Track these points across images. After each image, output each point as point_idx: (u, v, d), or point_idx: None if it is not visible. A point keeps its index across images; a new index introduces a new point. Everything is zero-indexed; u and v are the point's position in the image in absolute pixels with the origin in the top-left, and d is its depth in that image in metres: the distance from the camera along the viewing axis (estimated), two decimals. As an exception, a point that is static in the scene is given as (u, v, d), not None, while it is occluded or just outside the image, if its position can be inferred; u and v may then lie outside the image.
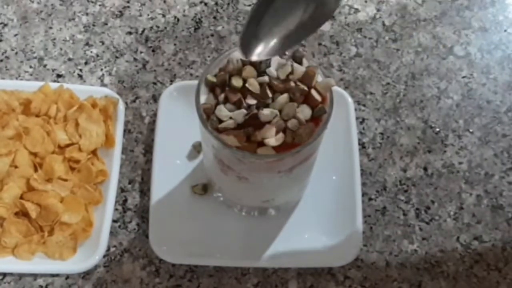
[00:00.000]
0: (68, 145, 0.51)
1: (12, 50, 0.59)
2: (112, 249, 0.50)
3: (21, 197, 0.49)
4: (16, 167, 0.50)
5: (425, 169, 0.54)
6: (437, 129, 0.56)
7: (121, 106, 0.54)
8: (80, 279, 0.49)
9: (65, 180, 0.50)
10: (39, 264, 0.48)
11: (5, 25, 0.60)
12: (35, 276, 0.49)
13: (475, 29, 0.61)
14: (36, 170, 0.50)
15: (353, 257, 0.48)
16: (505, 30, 0.62)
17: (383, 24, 0.61)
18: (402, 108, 0.57)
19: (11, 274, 0.49)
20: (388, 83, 0.58)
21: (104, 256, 0.49)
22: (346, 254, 0.48)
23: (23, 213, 0.49)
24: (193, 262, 0.49)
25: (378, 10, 0.62)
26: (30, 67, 0.58)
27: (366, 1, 0.63)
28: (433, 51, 0.60)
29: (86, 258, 0.48)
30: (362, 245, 0.49)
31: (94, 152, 0.52)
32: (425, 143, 0.55)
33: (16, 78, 0.57)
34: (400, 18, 0.62)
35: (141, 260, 0.50)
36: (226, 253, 0.49)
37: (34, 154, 0.51)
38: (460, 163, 0.54)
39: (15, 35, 0.59)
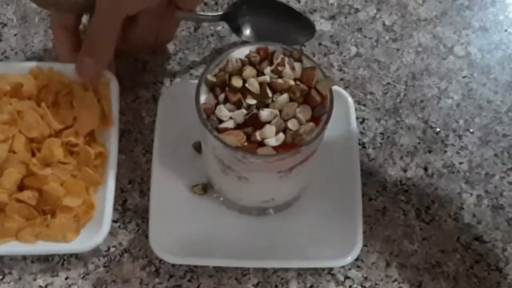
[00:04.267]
0: (63, 129, 0.51)
1: (12, 50, 0.59)
2: (112, 249, 0.50)
3: (22, 182, 0.48)
4: (14, 152, 0.49)
5: (426, 169, 0.54)
6: (438, 129, 0.56)
7: (113, 85, 0.52)
8: (80, 279, 0.49)
9: (65, 163, 0.49)
10: (43, 246, 0.47)
11: (5, 25, 0.60)
12: (34, 276, 0.49)
13: (475, 29, 0.61)
14: (34, 155, 0.49)
15: (354, 257, 0.48)
16: (505, 30, 0.62)
17: (383, 24, 0.61)
18: (402, 108, 0.57)
19: (10, 273, 0.49)
20: (388, 83, 0.58)
21: (104, 256, 0.49)
22: (346, 254, 0.48)
23: (21, 199, 0.49)
24: (193, 262, 0.49)
25: (378, 10, 0.62)
26: (30, 67, 0.58)
27: (366, 1, 0.63)
28: (434, 51, 0.60)
29: (89, 238, 0.47)
30: (362, 245, 0.49)
31: (91, 134, 0.51)
32: (426, 143, 0.55)
33: (16, 78, 0.57)
34: (400, 18, 0.62)
35: (141, 260, 0.50)
36: (226, 253, 0.49)
37: (31, 140, 0.50)
38: (461, 163, 0.54)
39: (15, 35, 0.59)
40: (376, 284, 0.49)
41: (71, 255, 0.49)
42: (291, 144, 0.40)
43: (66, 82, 0.52)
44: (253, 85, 0.41)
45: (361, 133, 0.55)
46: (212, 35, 0.60)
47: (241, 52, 0.43)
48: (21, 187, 0.49)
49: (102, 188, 0.49)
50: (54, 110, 0.51)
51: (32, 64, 0.53)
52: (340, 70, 0.58)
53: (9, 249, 0.47)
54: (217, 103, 0.41)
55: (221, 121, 0.40)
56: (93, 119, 0.51)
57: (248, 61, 0.42)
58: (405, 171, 0.54)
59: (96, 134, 0.51)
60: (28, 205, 0.48)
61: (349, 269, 0.50)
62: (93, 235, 0.47)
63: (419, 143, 0.55)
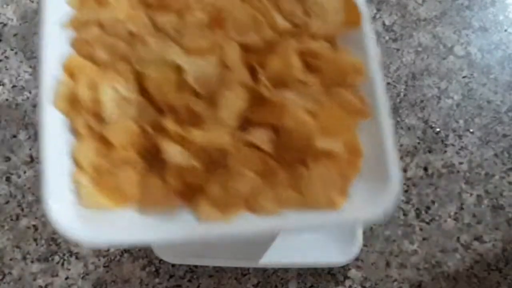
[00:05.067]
0: (290, 32, 0.33)
1: (12, 50, 0.58)
2: (112, 249, 0.50)
3: (243, 116, 0.31)
4: (226, 68, 0.31)
5: (426, 169, 0.54)
6: (438, 129, 0.56)
7: None
8: (80, 279, 0.49)
9: (305, 83, 0.32)
10: (296, 218, 0.29)
11: (5, 25, 0.60)
12: (34, 276, 0.49)
13: (475, 29, 0.61)
14: (253, 72, 0.32)
15: (354, 257, 0.48)
16: (505, 30, 0.61)
17: (383, 24, 0.61)
18: (402, 108, 0.57)
19: (10, 274, 0.49)
20: (388, 83, 0.58)
21: (104, 256, 0.49)
22: (346, 254, 0.48)
23: (251, 143, 0.30)
24: (193, 262, 0.49)
25: (378, 10, 0.62)
26: (30, 67, 0.58)
27: (366, 1, 0.62)
28: (433, 51, 0.60)
29: (369, 200, 0.29)
30: (362, 245, 0.49)
31: (331, 39, 0.33)
32: (426, 143, 0.55)
33: (16, 79, 0.57)
34: (400, 18, 0.62)
35: (141, 260, 0.50)
36: (226, 253, 0.49)
37: (246, 48, 0.32)
38: (461, 163, 0.54)
39: (15, 35, 0.59)
40: (376, 284, 0.49)
41: (71, 255, 0.49)
42: None
43: None
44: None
45: (361, 133, 0.55)
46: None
47: None
48: (244, 125, 0.31)
49: (369, 123, 0.31)
50: (271, 2, 0.33)
51: None
52: (340, 70, 0.58)
53: (241, 226, 0.29)
54: None
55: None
56: (335, 13, 0.33)
57: None
58: (405, 171, 0.54)
59: (337, 39, 0.33)
60: (262, 152, 0.30)
61: (349, 269, 0.50)
62: (372, 197, 0.30)
63: (419, 143, 0.55)
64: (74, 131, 0.33)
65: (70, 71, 0.34)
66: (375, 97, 0.31)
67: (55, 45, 0.35)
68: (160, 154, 0.29)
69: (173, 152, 0.29)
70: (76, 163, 0.32)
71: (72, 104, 0.32)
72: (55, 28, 0.35)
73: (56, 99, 0.33)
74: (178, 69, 0.30)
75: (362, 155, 0.31)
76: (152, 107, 0.31)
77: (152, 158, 0.31)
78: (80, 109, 0.32)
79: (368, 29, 0.32)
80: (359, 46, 0.32)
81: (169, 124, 0.30)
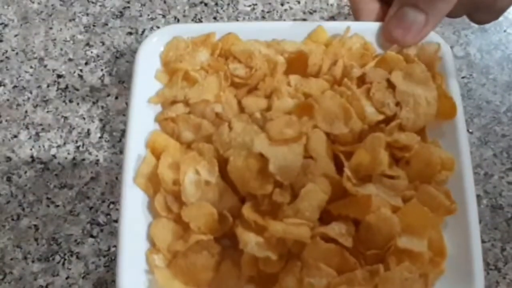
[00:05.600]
0: (381, 122, 0.33)
1: (13, 50, 0.59)
2: (113, 249, 0.50)
3: (324, 208, 0.31)
4: (311, 158, 0.31)
5: (425, 169, 0.54)
6: (437, 129, 0.56)
7: (447, 53, 0.35)
8: (81, 279, 0.49)
9: (391, 177, 0.31)
10: None
11: (6, 25, 0.60)
12: (35, 275, 0.49)
13: (474, 29, 0.61)
14: (338, 164, 0.31)
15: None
16: (504, 31, 0.62)
17: (383, 25, 0.61)
18: (401, 108, 0.57)
19: (11, 273, 0.49)
20: (387, 84, 0.58)
21: (104, 256, 0.49)
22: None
23: (329, 236, 0.30)
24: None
25: (377, 10, 0.62)
26: (31, 67, 0.58)
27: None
28: (433, 52, 0.60)
29: None
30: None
31: (421, 132, 0.33)
32: (425, 143, 0.55)
33: (17, 79, 0.57)
34: (399, 19, 0.62)
35: (141, 260, 0.50)
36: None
37: (333, 139, 0.32)
38: (460, 163, 0.54)
39: (16, 35, 0.59)
40: (375, 284, 0.49)
41: (71, 254, 0.49)
42: None
43: (372, 50, 0.36)
44: None
45: (361, 133, 0.55)
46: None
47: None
48: (323, 217, 0.31)
49: (454, 220, 0.31)
50: (362, 91, 0.33)
51: (312, 24, 0.36)
52: (340, 70, 0.58)
53: None
54: None
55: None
56: (428, 106, 0.33)
57: None
58: (404, 171, 0.54)
59: (427, 131, 0.34)
60: (340, 247, 0.30)
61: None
62: None
63: (418, 143, 0.55)
64: (153, 210, 0.33)
65: (153, 148, 0.34)
66: (463, 194, 0.31)
67: (141, 120, 0.35)
68: (237, 241, 0.30)
69: (250, 244, 0.29)
70: (152, 242, 0.33)
71: (152, 183, 0.33)
72: (142, 103, 0.35)
73: (138, 176, 0.34)
74: (261, 157, 0.30)
75: (446, 256, 0.30)
76: (232, 192, 0.32)
77: (228, 243, 0.31)
78: (160, 188, 0.33)
79: (460, 122, 0.32)
80: (450, 139, 0.32)
81: (248, 212, 0.30)
